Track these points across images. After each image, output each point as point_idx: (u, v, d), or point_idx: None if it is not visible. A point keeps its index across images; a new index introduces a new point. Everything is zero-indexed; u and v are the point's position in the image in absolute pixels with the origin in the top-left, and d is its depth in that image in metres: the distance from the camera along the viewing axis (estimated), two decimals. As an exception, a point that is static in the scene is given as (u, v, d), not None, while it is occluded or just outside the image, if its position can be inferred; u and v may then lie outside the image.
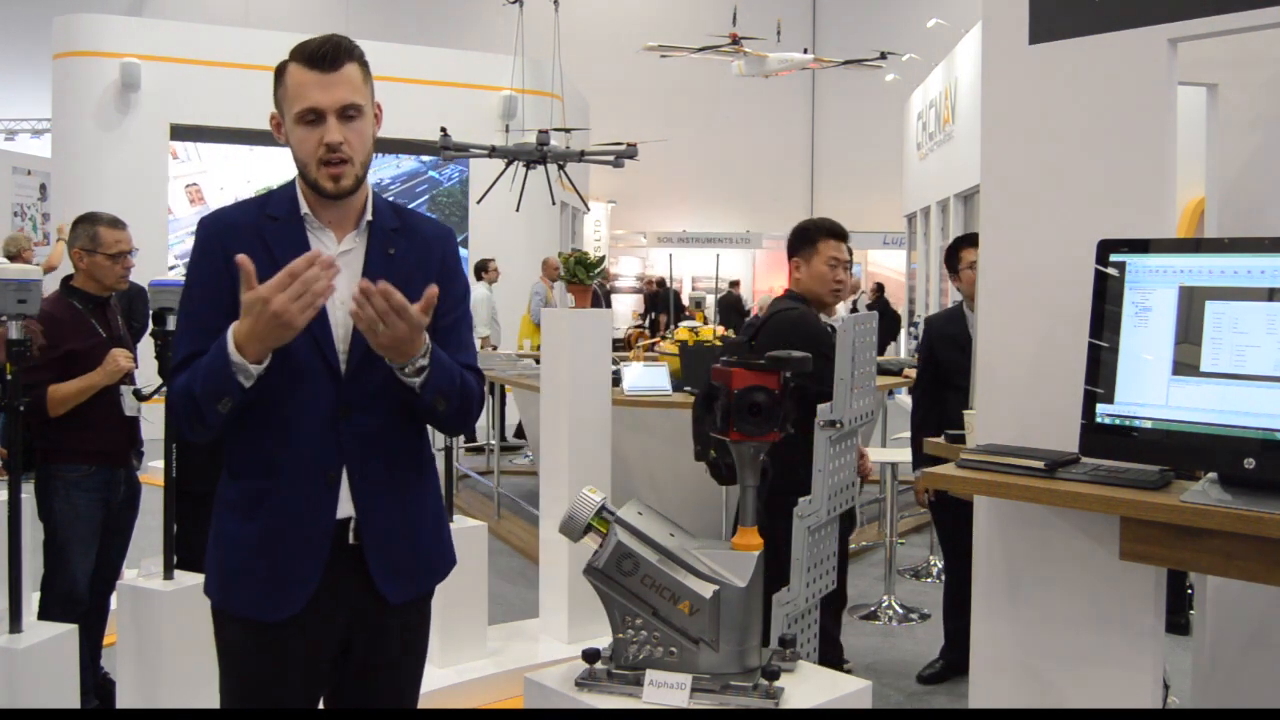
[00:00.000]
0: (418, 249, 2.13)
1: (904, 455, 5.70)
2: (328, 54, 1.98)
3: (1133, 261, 2.24)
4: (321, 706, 2.18)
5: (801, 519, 2.98)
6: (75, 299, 3.80)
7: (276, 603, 2.00)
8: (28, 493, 3.58)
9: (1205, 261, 2.16)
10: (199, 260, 2.07)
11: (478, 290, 10.27)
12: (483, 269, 10.79)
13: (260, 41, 12.21)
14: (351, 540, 2.03)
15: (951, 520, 4.35)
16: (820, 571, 3.09)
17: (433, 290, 1.94)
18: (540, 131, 9.65)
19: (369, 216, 2.09)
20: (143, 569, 3.69)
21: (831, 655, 4.39)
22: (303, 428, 2.00)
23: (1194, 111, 2.89)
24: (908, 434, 6.54)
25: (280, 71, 2.03)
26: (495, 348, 10.19)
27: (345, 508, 2.03)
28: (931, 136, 13.46)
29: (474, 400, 2.18)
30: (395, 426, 2.07)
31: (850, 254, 3.97)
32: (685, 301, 16.65)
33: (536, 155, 9.51)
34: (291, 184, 2.10)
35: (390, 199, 2.22)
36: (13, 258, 7.48)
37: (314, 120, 1.98)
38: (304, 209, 2.06)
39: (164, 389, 3.72)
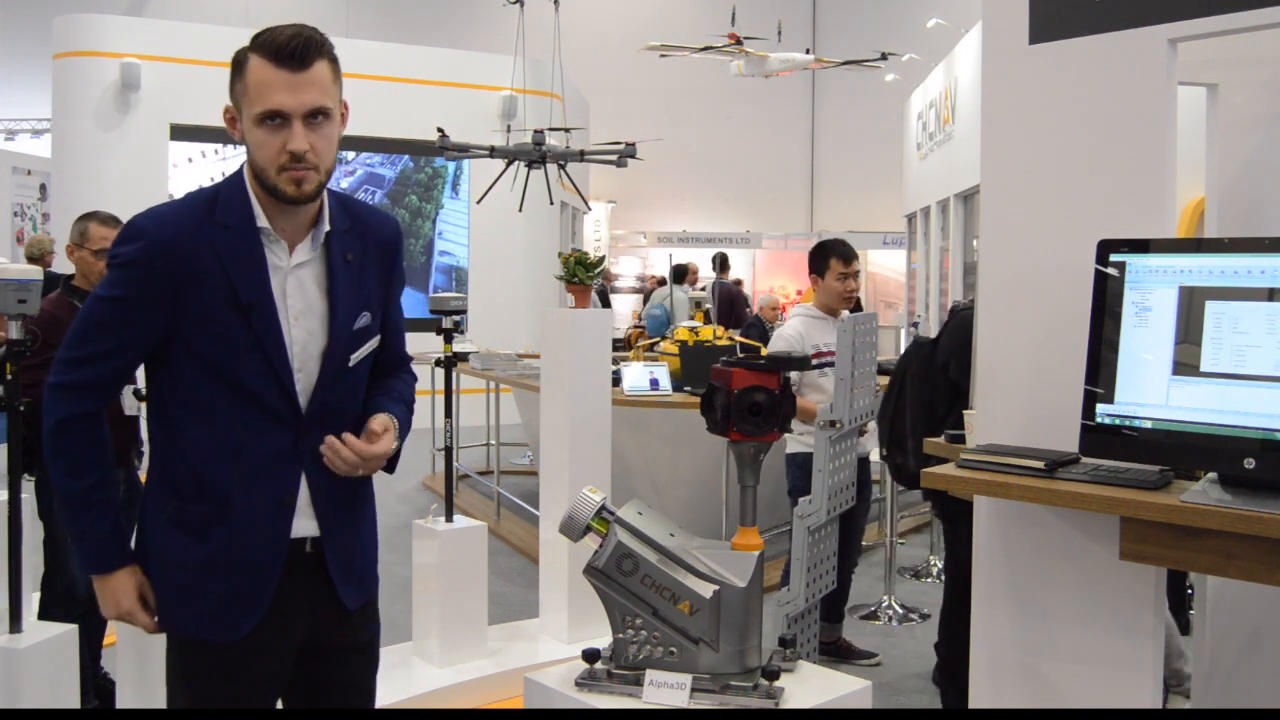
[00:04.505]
0: (373, 248, 2.04)
1: (904, 455, 5.70)
2: (297, 50, 1.80)
3: (1133, 261, 2.24)
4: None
5: (801, 519, 2.98)
6: (76, 298, 3.81)
7: (228, 624, 1.92)
8: (28, 493, 3.58)
9: (1205, 261, 2.16)
10: (134, 280, 1.85)
11: (677, 293, 11.19)
12: (684, 274, 11.99)
13: (260, 41, 12.18)
14: (308, 549, 1.97)
15: (965, 528, 4.33)
16: (820, 571, 3.09)
17: (380, 422, 1.97)
18: (536, 131, 9.63)
19: (326, 227, 1.96)
20: (143, 569, 3.68)
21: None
22: (263, 453, 1.91)
23: (1194, 111, 2.89)
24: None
25: (240, 62, 1.86)
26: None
27: (304, 526, 1.96)
28: (931, 136, 13.45)
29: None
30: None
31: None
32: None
33: (536, 155, 9.49)
34: (240, 184, 1.93)
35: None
36: (34, 260, 7.47)
37: (277, 123, 1.83)
38: (261, 221, 1.90)
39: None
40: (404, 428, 2.06)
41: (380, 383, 2.12)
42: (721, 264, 13.02)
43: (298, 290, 1.93)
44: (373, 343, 2.04)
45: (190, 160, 11.62)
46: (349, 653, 2.08)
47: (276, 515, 1.93)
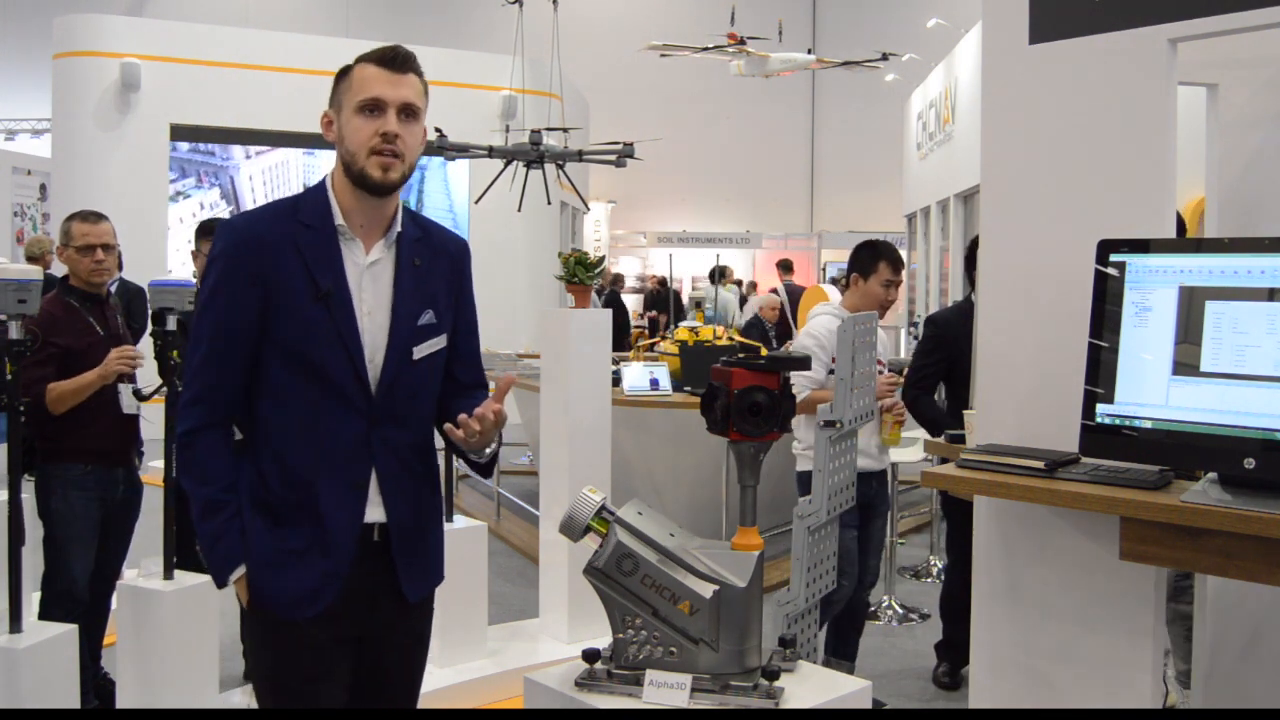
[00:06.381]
0: (441, 261, 2.19)
1: (904, 455, 5.70)
2: (399, 58, 2.07)
3: (1133, 261, 2.24)
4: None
5: (801, 519, 2.98)
6: (73, 297, 3.81)
7: (303, 604, 2.04)
8: (28, 493, 3.58)
9: (1205, 261, 2.16)
10: (223, 278, 2.04)
11: (722, 293, 12.46)
12: (723, 275, 13.47)
13: (260, 41, 12.22)
14: (376, 538, 2.08)
15: (961, 520, 4.30)
16: (820, 571, 3.09)
17: (510, 377, 2.08)
18: (533, 131, 9.64)
19: (398, 228, 2.12)
20: (143, 569, 3.69)
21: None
22: (338, 438, 2.04)
23: (1194, 111, 2.89)
24: (912, 433, 6.53)
25: (344, 72, 2.10)
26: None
27: (373, 512, 2.08)
28: (931, 136, 13.45)
29: None
30: (418, 435, 2.15)
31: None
32: (685, 301, 16.63)
33: (534, 155, 9.50)
34: (322, 188, 2.11)
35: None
36: (34, 260, 7.47)
37: (374, 111, 2.03)
38: (338, 219, 2.07)
39: (164, 389, 3.72)
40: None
41: (461, 402, 2.20)
42: (786, 268, 13.67)
43: (371, 286, 2.08)
44: (437, 341, 2.15)
45: (181, 220, 11.66)
46: (404, 644, 2.19)
47: (353, 498, 2.05)
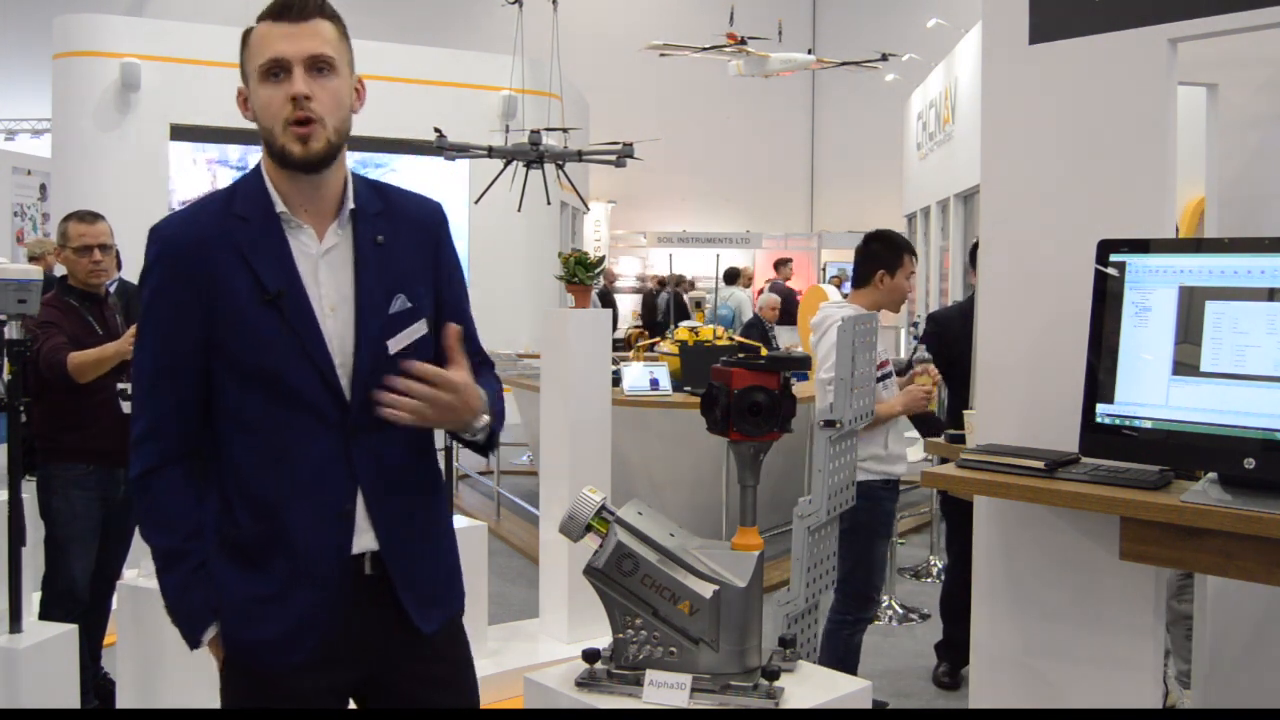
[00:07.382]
0: (408, 232, 1.89)
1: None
2: (295, 4, 1.77)
3: (1133, 261, 2.24)
4: None
5: (801, 519, 2.98)
6: (71, 297, 3.81)
7: (284, 652, 1.78)
8: (28, 493, 3.59)
9: (1205, 261, 2.16)
10: (160, 289, 1.78)
11: (738, 294, 12.98)
12: (736, 276, 13.81)
13: (260, 41, 12.19)
14: (368, 571, 1.81)
15: (959, 520, 4.30)
16: (820, 571, 3.09)
17: (454, 329, 1.81)
18: (532, 131, 9.65)
19: (350, 204, 1.84)
20: (143, 569, 3.69)
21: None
22: (310, 459, 1.77)
23: (1194, 111, 2.89)
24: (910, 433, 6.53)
25: (246, 35, 1.81)
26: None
27: (362, 540, 1.81)
28: (931, 136, 13.44)
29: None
30: (408, 443, 1.86)
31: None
32: (685, 301, 16.65)
33: (534, 155, 9.50)
34: (258, 174, 1.83)
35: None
36: (35, 260, 7.48)
37: (278, 74, 1.75)
38: (279, 206, 1.79)
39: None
40: (501, 416, 1.91)
41: None
42: (778, 267, 14.02)
43: (330, 277, 1.80)
44: (417, 328, 1.85)
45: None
46: (432, 688, 1.94)
47: (335, 528, 1.79)
